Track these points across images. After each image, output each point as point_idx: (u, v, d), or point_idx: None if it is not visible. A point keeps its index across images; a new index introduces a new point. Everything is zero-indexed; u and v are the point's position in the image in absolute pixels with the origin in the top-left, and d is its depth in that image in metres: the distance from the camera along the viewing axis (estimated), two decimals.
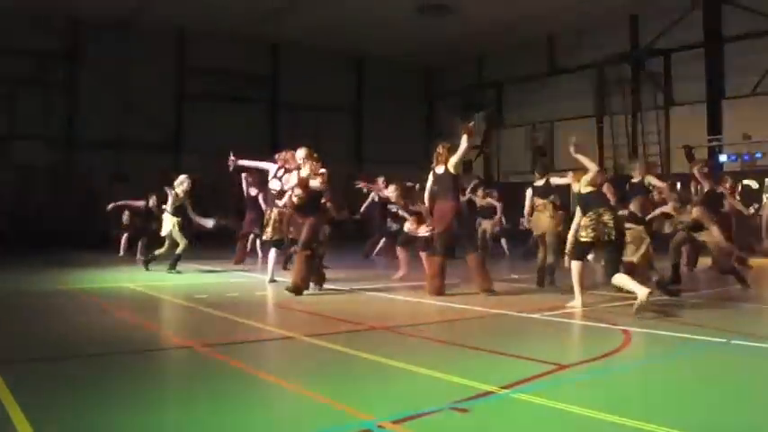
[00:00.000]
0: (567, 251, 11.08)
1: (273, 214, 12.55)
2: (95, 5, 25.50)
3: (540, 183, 13.00)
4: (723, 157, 24.27)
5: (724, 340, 7.53)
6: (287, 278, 12.46)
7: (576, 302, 9.90)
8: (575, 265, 10.07)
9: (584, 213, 9.85)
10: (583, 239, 9.82)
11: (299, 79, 31.66)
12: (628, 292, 9.57)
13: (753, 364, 6.59)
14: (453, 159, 11.53)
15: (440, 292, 11.40)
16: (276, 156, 12.86)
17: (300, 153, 11.81)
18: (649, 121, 27.36)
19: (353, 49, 32.66)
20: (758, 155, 23.24)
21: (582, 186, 9.98)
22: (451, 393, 5.23)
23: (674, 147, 25.85)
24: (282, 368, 6.33)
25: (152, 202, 18.83)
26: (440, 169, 11.69)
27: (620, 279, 9.48)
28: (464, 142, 11.46)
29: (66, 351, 6.91)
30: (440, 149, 11.83)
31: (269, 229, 12.68)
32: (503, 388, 5.36)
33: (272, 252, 13.18)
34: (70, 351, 6.92)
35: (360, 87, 34.30)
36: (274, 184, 12.50)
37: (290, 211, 11.95)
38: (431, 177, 11.83)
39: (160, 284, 12.96)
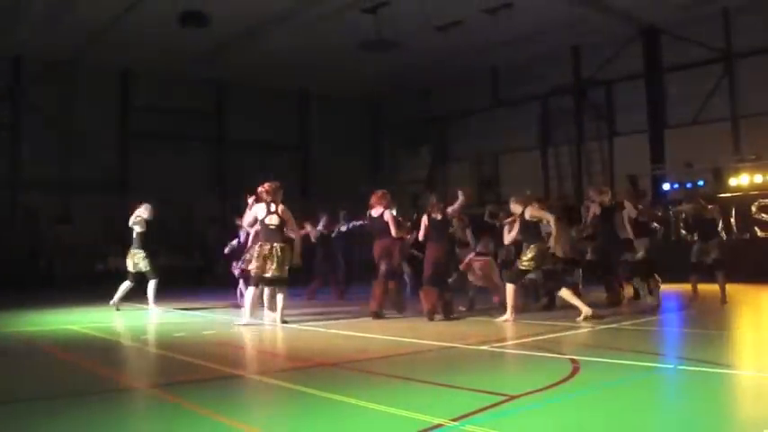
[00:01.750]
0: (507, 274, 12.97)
1: (269, 249, 12.22)
2: (38, 46, 25.25)
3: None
4: (666, 186, 24.56)
5: (672, 366, 7.62)
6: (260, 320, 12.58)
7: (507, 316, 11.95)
8: (511, 288, 12.12)
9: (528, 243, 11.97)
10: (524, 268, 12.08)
11: (244, 117, 31.60)
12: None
13: (702, 389, 6.66)
14: (449, 210, 13.35)
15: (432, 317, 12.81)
16: (260, 190, 12.54)
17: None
18: (593, 151, 27.68)
19: (298, 86, 32.68)
20: (700, 182, 23.53)
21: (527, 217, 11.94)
22: (401, 427, 5.22)
23: (618, 176, 26.08)
24: (234, 408, 6.24)
25: None
26: (437, 216, 13.12)
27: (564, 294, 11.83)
28: (461, 198, 13.37)
29: (7, 396, 6.74)
30: (433, 200, 13.45)
31: (259, 264, 12.19)
32: (453, 420, 5.35)
33: (252, 289, 12.46)
34: (11, 396, 6.76)
35: (305, 123, 34.15)
36: (273, 219, 12.25)
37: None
38: (426, 221, 13.16)
39: (105, 326, 12.78)
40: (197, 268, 28.72)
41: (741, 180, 22.59)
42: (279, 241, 12.24)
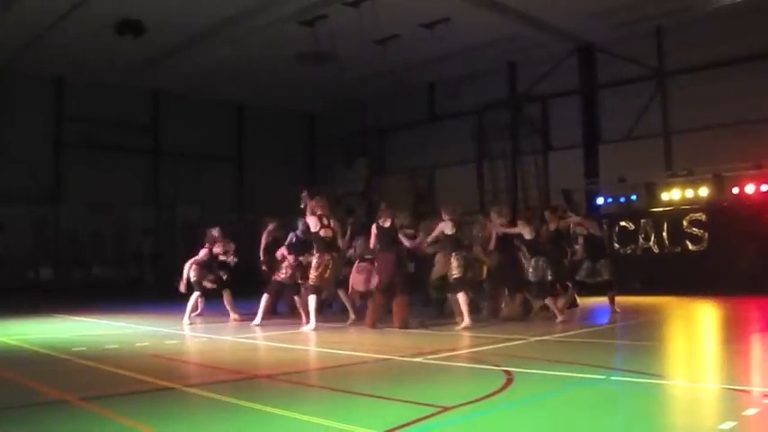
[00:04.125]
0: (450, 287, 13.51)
1: (328, 259, 13.35)
2: None
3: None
4: (600, 200, 24.80)
5: (603, 377, 7.70)
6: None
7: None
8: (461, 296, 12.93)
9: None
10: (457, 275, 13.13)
11: (179, 127, 31.26)
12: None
13: (633, 399, 6.71)
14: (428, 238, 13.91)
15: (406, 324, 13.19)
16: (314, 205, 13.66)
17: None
18: (528, 166, 27.80)
19: (233, 97, 32.43)
20: (633, 197, 23.85)
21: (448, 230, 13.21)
22: None
23: (553, 190, 26.22)
24: (163, 421, 6.15)
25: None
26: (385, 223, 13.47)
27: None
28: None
29: None
30: (383, 207, 13.89)
31: (319, 274, 13.31)
32: None
33: (315, 297, 13.39)
34: None
35: (241, 135, 33.94)
36: (328, 233, 13.47)
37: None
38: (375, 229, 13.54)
39: (36, 337, 12.58)
40: (131, 280, 28.44)
41: (673, 195, 22.84)
42: (335, 251, 13.59)
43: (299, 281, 14.13)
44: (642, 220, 23.08)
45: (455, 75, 28.96)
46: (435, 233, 13.72)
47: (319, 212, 13.48)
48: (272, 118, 34.02)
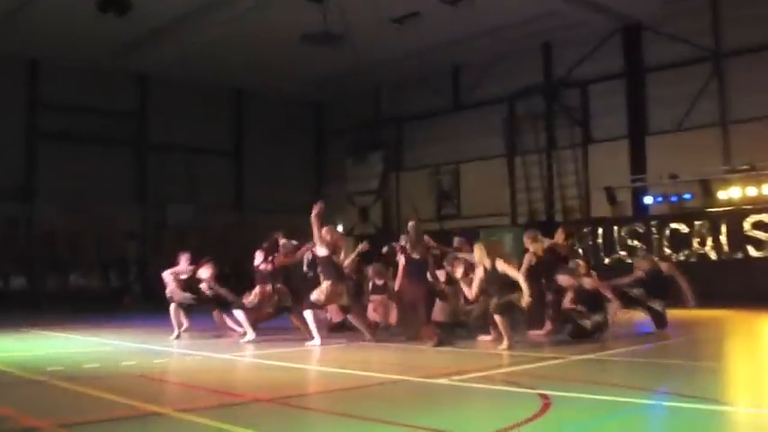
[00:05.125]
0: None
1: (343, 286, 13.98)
2: None
3: None
4: (648, 199, 24.70)
5: (654, 402, 7.63)
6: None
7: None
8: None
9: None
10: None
11: (170, 116, 31.16)
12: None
13: (690, 427, 6.60)
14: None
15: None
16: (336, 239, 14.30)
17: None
18: (566, 161, 27.72)
19: (231, 82, 32.50)
20: (686, 196, 23.73)
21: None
22: None
23: (594, 188, 26.24)
24: None
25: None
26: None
27: None
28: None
29: None
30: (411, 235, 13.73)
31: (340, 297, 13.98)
32: None
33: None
34: None
35: (240, 125, 34.00)
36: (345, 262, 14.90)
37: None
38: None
39: (5, 355, 12.53)
40: (114, 289, 28.39)
41: (732, 193, 22.81)
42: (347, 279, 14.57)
43: (270, 309, 14.87)
44: (697, 223, 22.95)
45: (483, 58, 29.02)
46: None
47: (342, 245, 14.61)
48: (274, 106, 34.02)
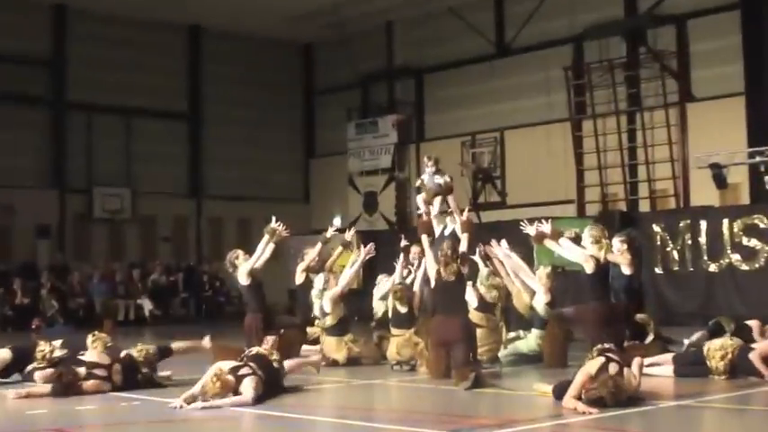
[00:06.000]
0: None
1: None
2: None
3: None
4: None
5: None
6: None
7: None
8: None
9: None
10: None
11: (98, 64, 30.76)
12: None
13: None
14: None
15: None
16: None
17: None
18: (655, 127, 26.86)
19: (186, 18, 32.16)
20: None
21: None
22: None
23: (695, 166, 25.05)
24: None
25: None
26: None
27: None
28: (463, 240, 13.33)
29: None
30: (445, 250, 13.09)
31: None
32: None
33: None
34: None
35: (197, 77, 33.68)
36: None
37: None
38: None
39: None
40: (21, 306, 27.49)
41: None
42: None
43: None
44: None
45: None
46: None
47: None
48: (245, 52, 34.10)
